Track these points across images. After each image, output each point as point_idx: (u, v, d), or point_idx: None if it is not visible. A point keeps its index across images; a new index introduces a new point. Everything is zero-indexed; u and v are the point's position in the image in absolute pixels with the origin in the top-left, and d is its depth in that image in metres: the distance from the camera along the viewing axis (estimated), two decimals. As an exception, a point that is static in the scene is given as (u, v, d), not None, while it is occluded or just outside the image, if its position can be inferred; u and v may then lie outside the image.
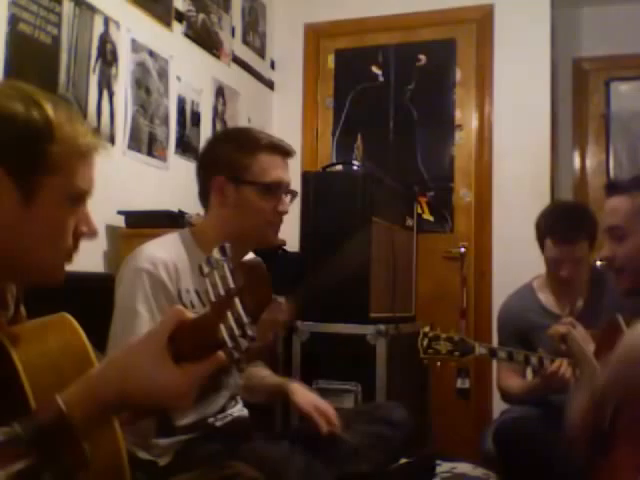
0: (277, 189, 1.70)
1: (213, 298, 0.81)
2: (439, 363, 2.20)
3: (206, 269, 0.82)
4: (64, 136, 0.96)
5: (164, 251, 1.63)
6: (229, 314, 0.80)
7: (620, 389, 1.43)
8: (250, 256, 1.74)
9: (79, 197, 1.00)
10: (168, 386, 0.85)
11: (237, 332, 0.79)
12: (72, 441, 0.83)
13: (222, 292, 0.81)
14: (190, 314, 0.89)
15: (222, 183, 1.69)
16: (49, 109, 0.95)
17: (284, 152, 1.74)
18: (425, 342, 2.13)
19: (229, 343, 0.80)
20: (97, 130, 1.07)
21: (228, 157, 1.69)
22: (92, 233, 1.03)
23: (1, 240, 0.94)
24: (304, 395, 1.85)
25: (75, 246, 1.02)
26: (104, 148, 1.06)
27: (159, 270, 1.58)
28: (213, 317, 0.81)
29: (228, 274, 0.81)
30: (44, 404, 0.84)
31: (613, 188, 1.76)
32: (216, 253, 0.83)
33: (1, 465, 0.78)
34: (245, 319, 0.80)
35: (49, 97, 0.99)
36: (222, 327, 0.80)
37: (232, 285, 0.81)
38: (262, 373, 1.92)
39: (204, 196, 1.75)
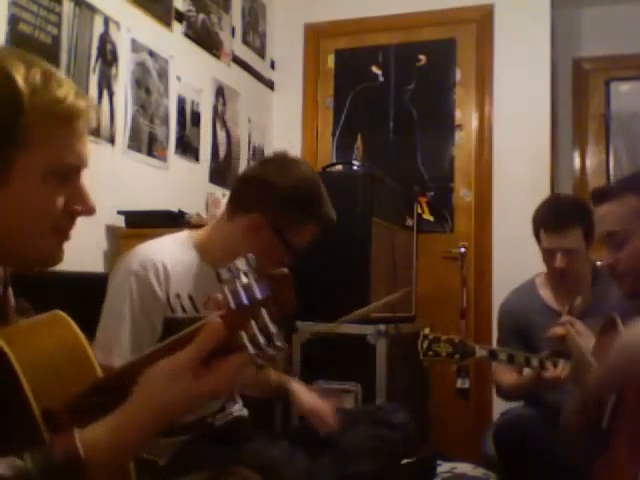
0: (298, 250, 1.71)
1: (233, 305, 0.81)
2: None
3: (226, 275, 0.81)
4: (37, 104, 0.87)
5: (158, 253, 1.62)
6: (253, 323, 0.79)
7: (619, 386, 1.43)
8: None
9: (65, 171, 0.92)
10: (202, 391, 0.83)
11: (262, 341, 0.79)
12: None
13: (245, 301, 0.80)
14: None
15: (262, 224, 1.65)
16: (18, 76, 0.86)
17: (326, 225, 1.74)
18: (425, 344, 2.12)
19: (250, 349, 0.79)
20: (82, 93, 0.95)
21: (284, 212, 1.64)
22: (88, 210, 0.96)
23: None
24: (304, 395, 1.85)
25: (70, 224, 0.96)
26: (91, 110, 0.95)
27: (149, 274, 1.57)
28: (231, 322, 0.80)
29: (254, 284, 0.80)
30: (61, 440, 0.79)
31: (602, 195, 1.75)
32: (240, 263, 0.82)
33: None
34: (272, 329, 0.79)
35: (23, 59, 0.90)
36: (243, 333, 0.79)
37: (259, 296, 0.80)
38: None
39: (235, 210, 1.69)
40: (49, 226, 0.93)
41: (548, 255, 2.30)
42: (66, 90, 0.91)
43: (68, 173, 0.93)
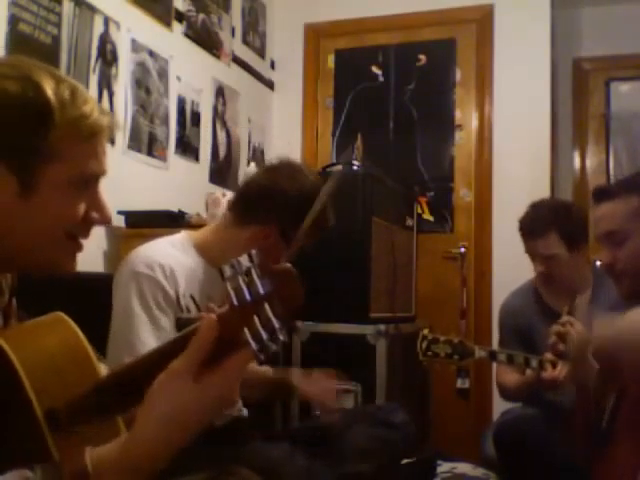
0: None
1: (235, 302, 0.80)
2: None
3: (228, 272, 0.80)
4: (65, 119, 0.90)
5: (160, 254, 1.62)
6: (256, 319, 0.79)
7: (620, 379, 1.44)
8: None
9: (86, 180, 0.94)
10: (209, 394, 0.83)
11: (265, 336, 0.79)
12: None
13: (248, 297, 0.80)
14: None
15: (270, 233, 1.66)
16: (48, 90, 0.89)
17: None
18: (424, 345, 2.13)
19: (253, 345, 0.79)
20: (104, 109, 1.00)
21: (295, 221, 1.63)
22: (105, 220, 0.98)
23: (1, 232, 0.90)
24: (305, 381, 1.87)
25: (85, 232, 0.97)
26: (113, 127, 0.99)
27: (157, 275, 1.57)
28: (234, 319, 0.80)
29: (257, 280, 0.80)
30: (71, 458, 0.79)
31: (602, 194, 1.75)
32: (243, 259, 0.82)
33: None
34: (276, 324, 0.79)
35: (51, 74, 0.92)
36: (246, 330, 0.79)
37: (262, 291, 0.80)
38: (261, 369, 1.92)
39: (241, 217, 1.70)
40: (65, 231, 0.95)
41: (530, 260, 2.36)
42: (91, 107, 0.94)
43: (88, 181, 0.95)
